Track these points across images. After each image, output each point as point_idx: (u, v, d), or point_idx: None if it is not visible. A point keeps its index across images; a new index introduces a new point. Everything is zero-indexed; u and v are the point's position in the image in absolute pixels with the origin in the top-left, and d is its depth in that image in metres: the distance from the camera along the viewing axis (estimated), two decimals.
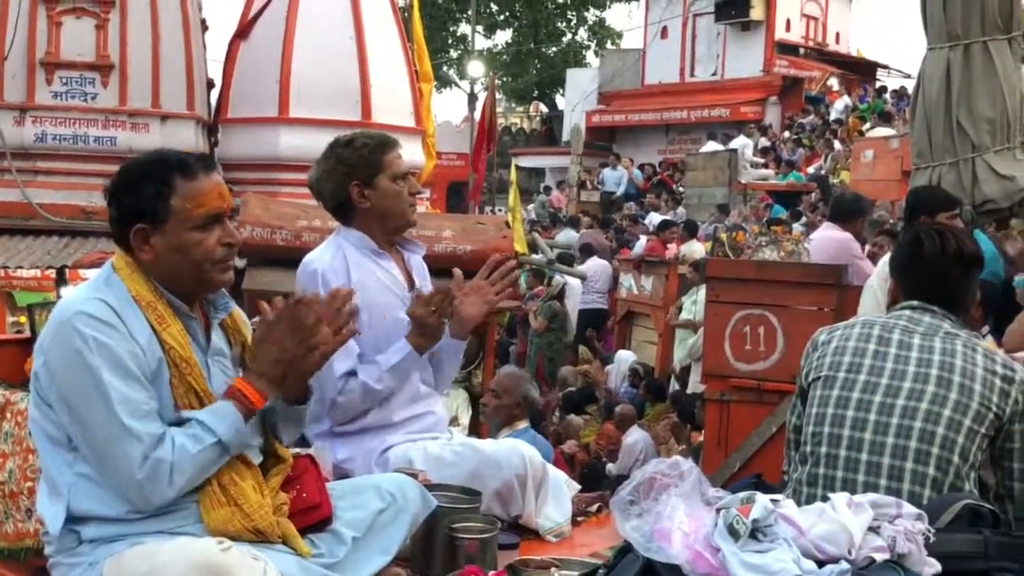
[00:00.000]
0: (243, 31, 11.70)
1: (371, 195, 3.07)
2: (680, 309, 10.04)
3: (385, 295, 3.10)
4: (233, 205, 2.36)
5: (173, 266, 2.24)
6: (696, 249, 11.55)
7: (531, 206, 22.38)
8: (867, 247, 6.12)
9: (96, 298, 2.17)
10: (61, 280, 9.45)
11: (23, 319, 10.46)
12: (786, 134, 21.47)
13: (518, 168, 17.17)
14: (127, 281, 2.22)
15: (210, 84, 11.80)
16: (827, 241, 5.81)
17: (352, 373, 3.00)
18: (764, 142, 20.61)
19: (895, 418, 2.45)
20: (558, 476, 3.25)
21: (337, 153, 3.10)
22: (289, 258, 7.26)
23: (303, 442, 2.95)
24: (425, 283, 3.24)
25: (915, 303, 2.63)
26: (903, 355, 2.53)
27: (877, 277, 4.48)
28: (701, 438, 6.94)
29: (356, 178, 3.06)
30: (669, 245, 12.62)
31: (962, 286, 2.66)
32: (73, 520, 2.17)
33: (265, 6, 11.57)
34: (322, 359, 2.34)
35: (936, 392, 2.45)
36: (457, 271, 3.16)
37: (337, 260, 3.06)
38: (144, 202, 2.21)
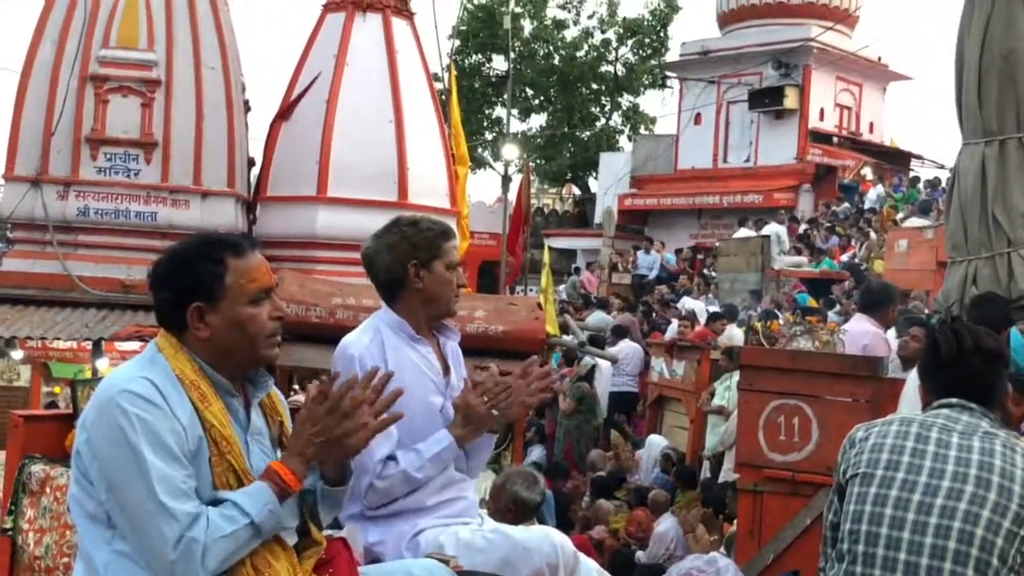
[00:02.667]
0: (285, 112, 11.97)
1: (425, 277, 3.11)
2: (712, 395, 9.97)
3: (421, 380, 3.11)
4: (277, 281, 2.42)
5: (229, 342, 2.29)
6: (736, 334, 11.52)
7: (562, 287, 22.45)
8: (895, 338, 6.07)
9: (141, 376, 2.21)
10: (97, 352, 9.54)
11: (58, 389, 10.57)
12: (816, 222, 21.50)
13: (550, 249, 17.28)
14: (171, 360, 2.26)
15: (251, 163, 12.03)
16: (860, 335, 5.78)
17: (391, 458, 3.00)
18: (804, 226, 20.67)
19: (933, 518, 2.43)
20: (589, 565, 3.22)
21: (402, 230, 3.16)
22: (323, 335, 7.34)
23: (335, 523, 2.95)
24: (460, 369, 3.25)
25: (953, 400, 2.62)
26: (941, 453, 2.51)
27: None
28: (732, 528, 6.84)
29: (416, 258, 3.11)
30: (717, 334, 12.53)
31: (986, 380, 2.64)
32: None
33: (307, 89, 11.85)
34: (364, 441, 2.36)
35: (975, 492, 2.43)
36: (493, 367, 3.17)
37: (374, 344, 3.08)
38: (200, 281, 2.27)
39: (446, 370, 3.20)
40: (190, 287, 2.27)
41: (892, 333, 6.14)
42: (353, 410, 2.31)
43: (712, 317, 13.60)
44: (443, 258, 3.14)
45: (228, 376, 2.31)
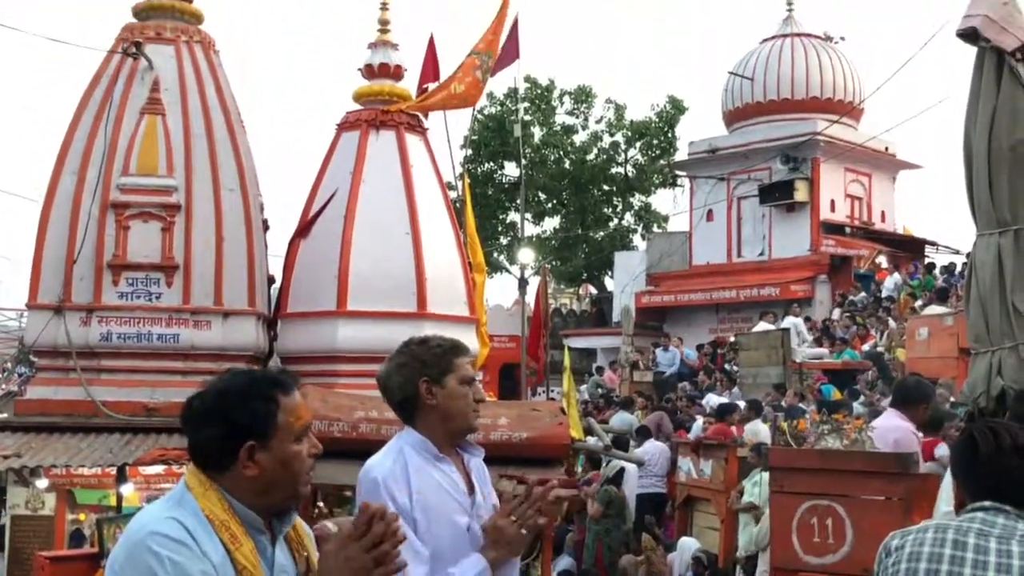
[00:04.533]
0: (303, 230, 12.12)
1: (438, 393, 3.12)
2: (742, 493, 9.83)
3: (446, 501, 3.09)
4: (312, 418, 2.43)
5: (274, 479, 2.28)
6: (760, 429, 11.41)
7: (583, 387, 22.38)
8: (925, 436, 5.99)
9: (170, 517, 2.19)
10: (121, 478, 9.51)
11: (83, 516, 10.52)
12: (835, 313, 21.48)
13: (570, 350, 17.28)
14: (200, 500, 2.25)
15: (271, 280, 12.12)
16: (890, 430, 5.72)
17: None
18: (837, 310, 20.68)
19: None
20: None
21: (411, 349, 3.19)
22: (346, 449, 7.30)
23: None
24: (485, 487, 3.23)
25: (987, 504, 2.58)
26: (981, 560, 2.46)
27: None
28: None
29: (426, 375, 3.12)
30: (732, 427, 12.45)
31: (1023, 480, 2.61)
32: None
33: (325, 206, 12.02)
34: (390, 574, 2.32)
35: None
36: (505, 487, 3.16)
37: (398, 466, 3.08)
38: (256, 419, 2.26)
39: (471, 489, 3.19)
40: (244, 425, 2.26)
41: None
42: (386, 545, 2.28)
43: (723, 410, 13.50)
44: (455, 373, 3.15)
45: (262, 513, 2.30)
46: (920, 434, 5.86)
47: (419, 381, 3.12)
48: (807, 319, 21.59)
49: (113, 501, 9.88)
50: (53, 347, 10.96)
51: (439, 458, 3.13)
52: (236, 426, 2.26)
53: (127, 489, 9.51)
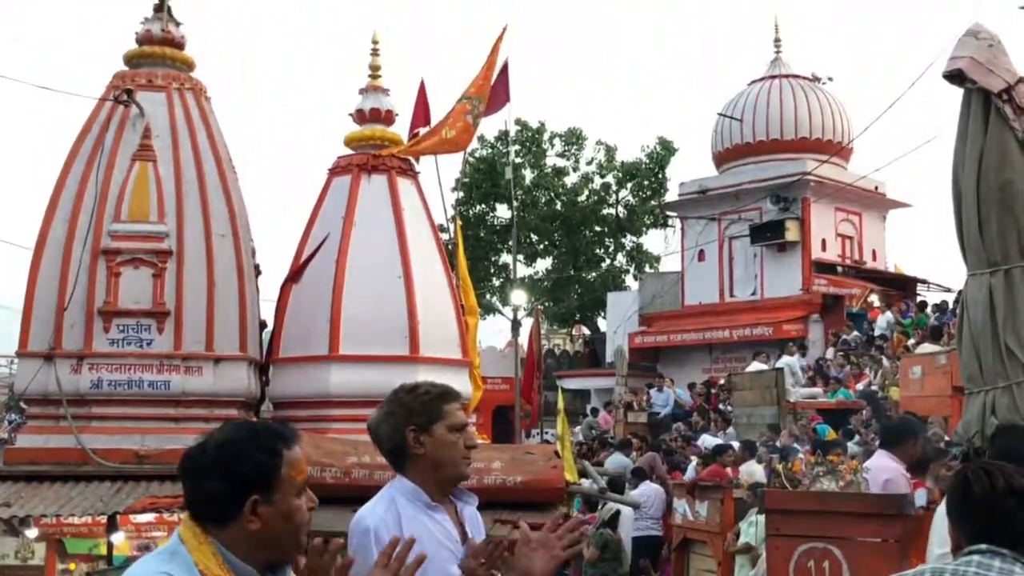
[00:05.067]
0: (295, 275, 12.11)
1: (426, 441, 3.10)
2: (738, 535, 9.77)
3: (438, 550, 3.07)
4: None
5: (276, 534, 2.26)
6: (755, 470, 11.37)
7: (577, 428, 22.29)
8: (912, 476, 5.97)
9: (162, 572, 2.17)
10: (112, 527, 9.41)
11: (72, 566, 10.41)
12: (829, 352, 21.48)
13: (563, 390, 17.23)
14: (194, 554, 2.22)
15: (262, 325, 12.08)
16: (880, 471, 5.70)
17: None
18: (831, 351, 20.68)
19: None
20: None
21: (399, 398, 3.17)
22: (339, 495, 7.25)
23: None
24: (479, 535, 3.21)
25: (983, 547, 2.57)
26: None
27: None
28: None
29: (413, 423, 3.10)
30: (727, 468, 12.40)
31: (1019, 522, 2.59)
32: None
33: (316, 250, 12.02)
34: None
35: None
36: (524, 525, 3.13)
37: (390, 515, 3.06)
38: (261, 472, 2.24)
39: (464, 537, 3.16)
40: (251, 479, 2.23)
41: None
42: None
43: (717, 451, 13.45)
44: (444, 420, 3.13)
45: (259, 568, 2.27)
46: (908, 475, 5.85)
47: (406, 430, 3.11)
48: (804, 349, 21.59)
49: (104, 550, 9.78)
50: (43, 395, 10.87)
51: (431, 506, 3.12)
52: (240, 479, 2.23)
53: (118, 538, 9.41)
